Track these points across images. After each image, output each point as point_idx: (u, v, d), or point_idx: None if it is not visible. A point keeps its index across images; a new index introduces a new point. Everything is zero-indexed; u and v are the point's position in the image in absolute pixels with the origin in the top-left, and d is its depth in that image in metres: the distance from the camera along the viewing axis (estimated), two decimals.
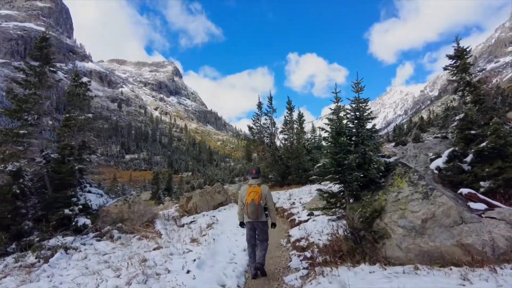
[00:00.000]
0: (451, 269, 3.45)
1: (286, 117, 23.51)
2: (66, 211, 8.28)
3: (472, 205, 4.07)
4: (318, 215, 7.32)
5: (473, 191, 4.43)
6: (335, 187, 5.59)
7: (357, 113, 5.55)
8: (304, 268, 4.49)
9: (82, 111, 10.30)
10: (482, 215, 3.82)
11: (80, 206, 8.71)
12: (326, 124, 5.82)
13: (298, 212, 8.70)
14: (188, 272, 4.47)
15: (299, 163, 20.39)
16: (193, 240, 6.81)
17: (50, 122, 11.21)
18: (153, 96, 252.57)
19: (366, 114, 5.52)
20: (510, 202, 5.12)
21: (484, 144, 6.12)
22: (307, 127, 29.01)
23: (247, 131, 25.96)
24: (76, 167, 9.31)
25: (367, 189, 5.11)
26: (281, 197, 13.23)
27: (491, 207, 4.02)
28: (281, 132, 23.55)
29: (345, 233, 4.76)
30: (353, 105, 5.59)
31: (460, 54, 8.07)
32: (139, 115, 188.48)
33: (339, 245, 4.66)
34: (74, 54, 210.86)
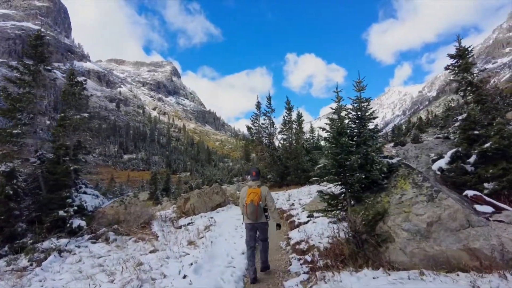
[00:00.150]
0: (458, 275, 3.31)
1: (285, 117, 23.39)
2: (61, 212, 8.09)
3: (479, 207, 3.94)
4: (318, 217, 7.18)
5: (479, 193, 4.29)
6: (336, 189, 5.45)
7: (359, 113, 5.41)
8: (304, 273, 4.34)
9: (77, 110, 10.10)
10: (490, 219, 3.68)
11: (75, 208, 8.52)
12: (326, 124, 5.68)
13: (297, 214, 8.56)
14: (184, 277, 4.32)
15: (298, 164, 20.27)
16: (190, 243, 6.65)
17: (48, 122, 11.02)
18: (151, 96, 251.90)
19: (368, 113, 5.38)
20: None
21: (488, 144, 5.99)
22: (306, 127, 28.93)
23: (245, 131, 25.85)
24: (71, 168, 9.11)
25: (369, 191, 4.98)
26: (280, 198, 13.10)
27: (498, 210, 3.89)
28: (279, 132, 23.43)
29: (347, 236, 4.62)
30: (355, 105, 5.45)
31: (462, 54, 7.95)
32: (137, 115, 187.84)
33: (340, 248, 4.53)
34: (72, 53, 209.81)
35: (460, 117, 7.05)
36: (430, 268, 3.57)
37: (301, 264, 4.74)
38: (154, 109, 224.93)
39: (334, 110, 5.50)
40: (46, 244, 6.91)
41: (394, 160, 5.00)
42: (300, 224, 7.34)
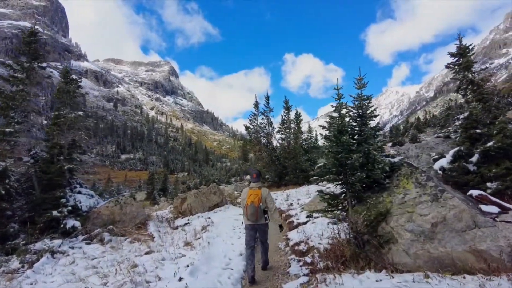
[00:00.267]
0: (464, 277, 3.19)
1: (284, 117, 23.24)
2: (55, 212, 7.89)
3: (484, 208, 3.81)
4: (318, 217, 7.05)
5: (484, 193, 4.17)
6: (336, 189, 5.31)
7: (360, 111, 5.28)
8: (304, 275, 4.21)
9: (72, 108, 9.90)
10: (496, 219, 3.56)
11: (69, 208, 8.32)
12: (326, 122, 5.55)
13: (296, 214, 8.42)
14: (180, 279, 4.16)
15: (296, 163, 20.14)
16: (187, 244, 6.49)
17: (45, 122, 10.81)
18: (149, 96, 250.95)
19: (369, 111, 5.25)
20: None
21: (490, 143, 5.88)
22: (304, 127, 28.83)
23: (243, 131, 25.68)
24: (66, 167, 8.90)
25: (371, 190, 4.86)
26: (278, 198, 12.95)
27: (504, 210, 3.76)
28: (278, 132, 23.28)
29: (348, 237, 4.50)
30: (356, 102, 5.33)
31: (463, 52, 7.84)
32: (135, 115, 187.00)
33: (341, 249, 4.40)
34: (69, 53, 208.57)
35: (461, 116, 6.94)
36: (435, 270, 3.44)
37: (300, 266, 4.61)
38: (151, 109, 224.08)
39: (334, 108, 5.37)
40: (38, 245, 6.71)
41: (396, 159, 4.88)
42: (299, 224, 7.20)
